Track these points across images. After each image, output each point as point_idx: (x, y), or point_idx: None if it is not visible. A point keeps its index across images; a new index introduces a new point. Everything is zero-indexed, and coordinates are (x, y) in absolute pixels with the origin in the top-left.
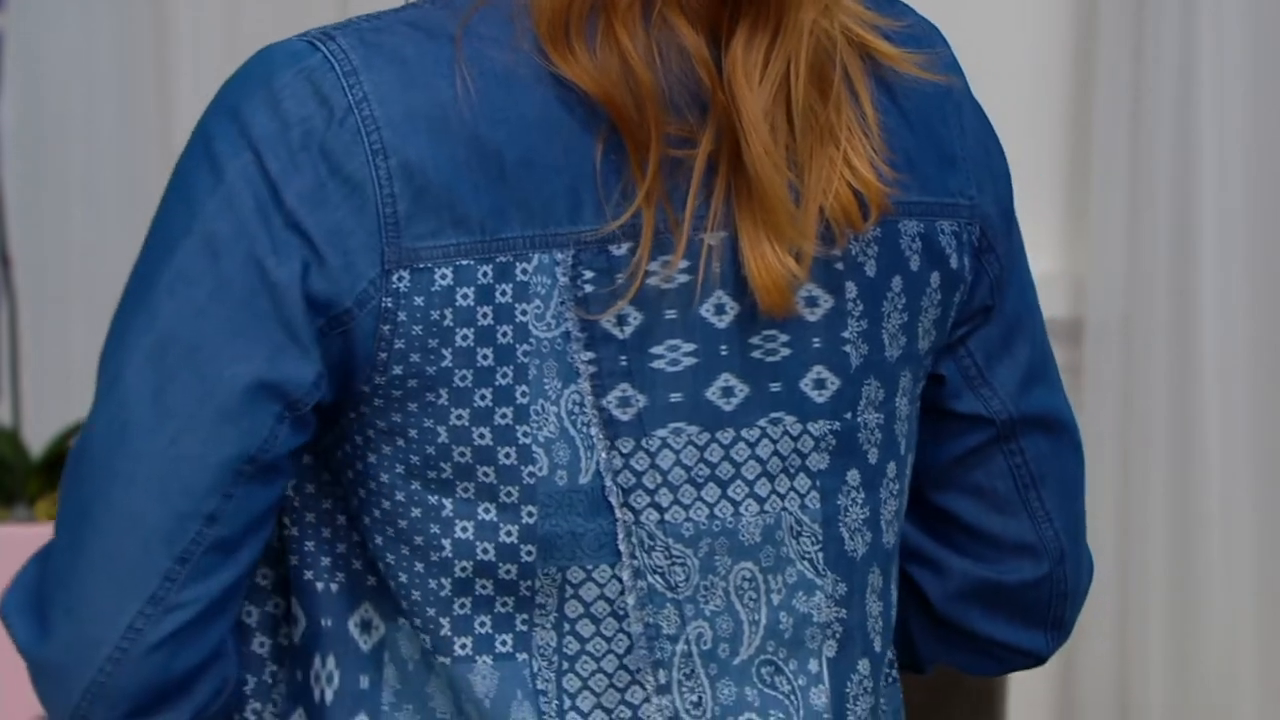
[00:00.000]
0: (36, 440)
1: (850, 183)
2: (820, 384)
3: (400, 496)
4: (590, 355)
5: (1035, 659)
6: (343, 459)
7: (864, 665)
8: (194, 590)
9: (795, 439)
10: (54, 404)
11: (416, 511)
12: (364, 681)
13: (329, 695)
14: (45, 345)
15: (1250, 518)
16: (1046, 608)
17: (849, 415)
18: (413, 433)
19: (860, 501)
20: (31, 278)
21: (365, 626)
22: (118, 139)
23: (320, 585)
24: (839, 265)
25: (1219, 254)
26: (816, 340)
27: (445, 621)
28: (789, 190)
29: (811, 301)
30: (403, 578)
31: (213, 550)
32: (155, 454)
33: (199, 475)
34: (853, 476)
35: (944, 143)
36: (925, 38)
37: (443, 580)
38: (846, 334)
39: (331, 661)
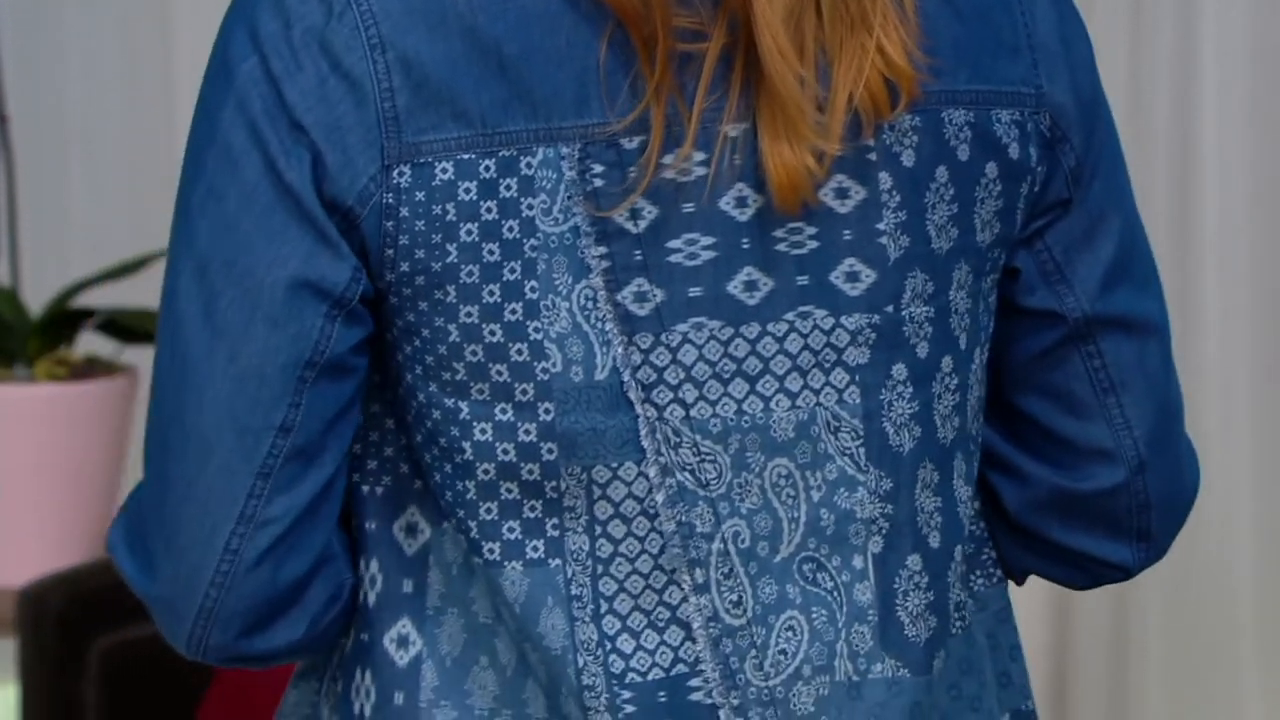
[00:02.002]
0: (35, 300)
1: (881, 70)
2: (853, 276)
3: (422, 397)
4: (602, 250)
5: (1123, 572)
6: (384, 356)
7: (915, 561)
8: (282, 502)
9: (827, 333)
10: (52, 263)
11: (437, 414)
12: (407, 585)
13: (372, 598)
14: (43, 204)
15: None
16: (1128, 518)
17: (890, 308)
18: (425, 332)
19: (907, 396)
20: (29, 136)
21: (410, 530)
22: None
23: (365, 489)
24: (871, 155)
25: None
26: (847, 232)
27: (473, 525)
28: (815, 80)
29: (842, 193)
30: (437, 478)
31: (292, 460)
32: (216, 375)
33: (262, 388)
34: (898, 370)
35: (1003, 31)
36: None
37: (467, 483)
38: (881, 225)
39: (375, 565)
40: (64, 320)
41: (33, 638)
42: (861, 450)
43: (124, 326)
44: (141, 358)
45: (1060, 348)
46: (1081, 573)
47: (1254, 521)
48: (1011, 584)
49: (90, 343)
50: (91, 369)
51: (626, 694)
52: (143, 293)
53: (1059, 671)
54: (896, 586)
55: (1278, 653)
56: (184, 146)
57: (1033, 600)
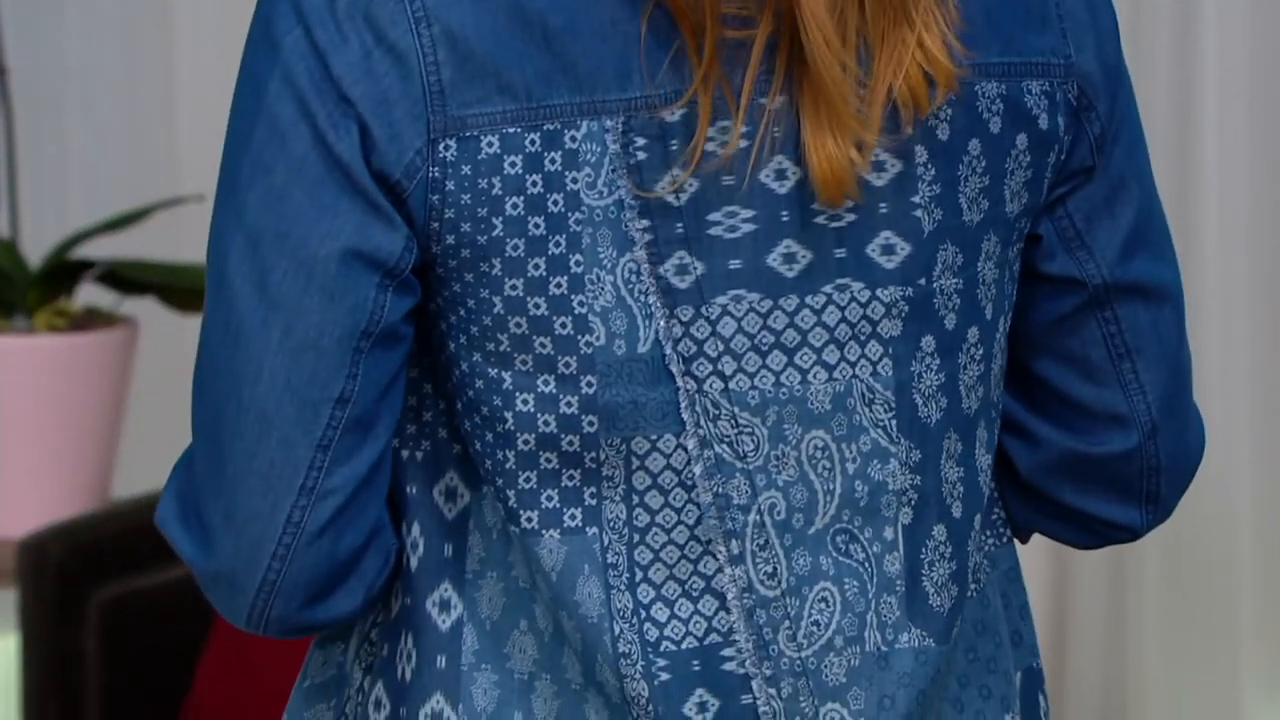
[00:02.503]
0: (35, 251)
1: (921, 64)
2: (889, 249)
3: (465, 367)
4: (645, 223)
5: (1131, 533)
6: (429, 322)
7: (940, 531)
8: (342, 473)
9: (864, 305)
10: (52, 214)
11: (480, 383)
12: (447, 550)
13: (414, 562)
14: (43, 155)
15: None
16: (1139, 481)
17: (922, 281)
18: (470, 303)
19: (935, 368)
20: (28, 88)
21: (450, 495)
22: None
23: (405, 453)
24: (907, 129)
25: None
26: (883, 205)
27: (511, 493)
28: (856, 75)
29: (878, 166)
30: (477, 446)
31: (351, 430)
32: (273, 348)
33: (320, 360)
34: (927, 343)
35: (1033, 1)
36: None
37: (507, 452)
38: (917, 199)
39: (417, 529)
40: (63, 271)
41: (33, 588)
42: (894, 422)
43: (123, 278)
44: (141, 309)
45: (1078, 314)
46: (1089, 534)
47: (1253, 477)
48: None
49: (90, 294)
50: (91, 320)
51: (661, 662)
52: (142, 244)
53: (1058, 627)
54: (923, 557)
55: (1276, 608)
56: (183, 99)
57: (1032, 557)
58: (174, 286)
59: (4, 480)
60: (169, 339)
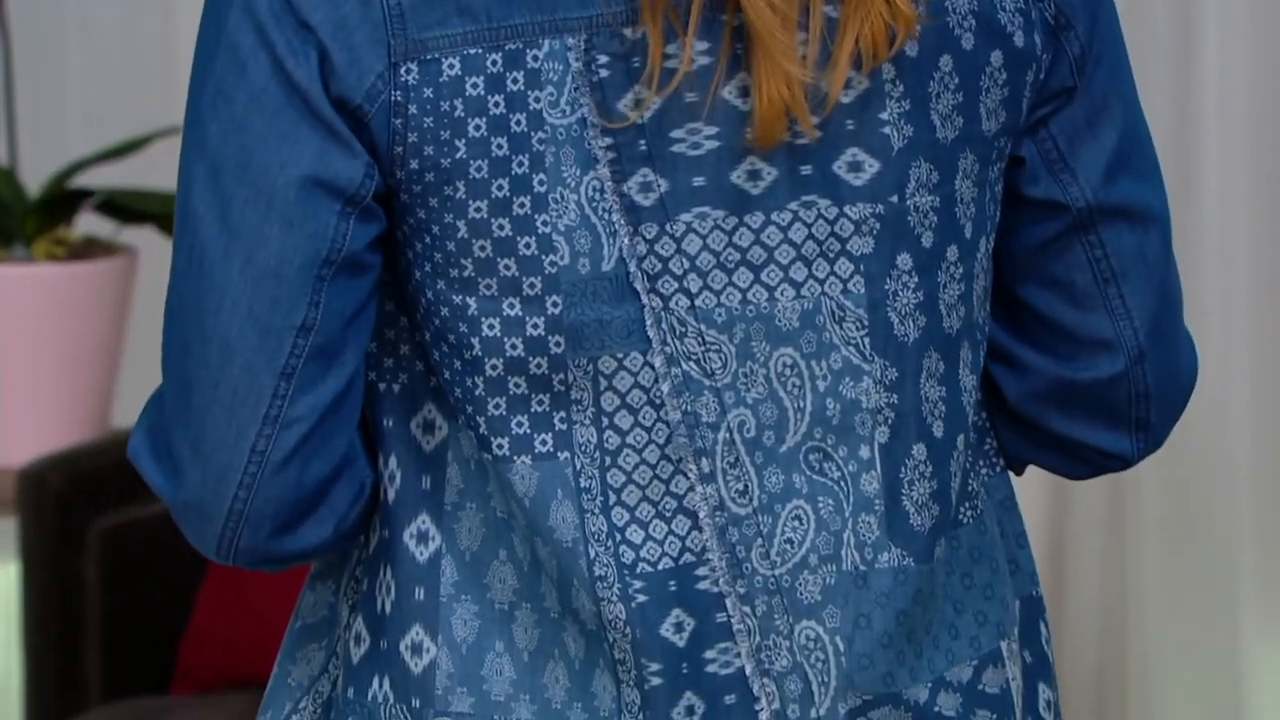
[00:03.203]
0: (33, 179)
1: (884, 16)
2: (856, 167)
3: (430, 295)
4: (608, 141)
5: (1122, 461)
6: (395, 254)
7: (919, 450)
8: (306, 402)
9: (831, 223)
10: (50, 142)
11: (445, 311)
12: (425, 482)
13: (391, 495)
14: (41, 84)
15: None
16: (1127, 408)
17: (894, 198)
18: (435, 229)
19: (912, 286)
20: (27, 15)
21: (428, 427)
22: None
23: (382, 386)
24: (863, 77)
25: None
26: (850, 122)
27: (481, 421)
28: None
29: (845, 84)
30: (446, 375)
31: (314, 359)
32: (234, 277)
33: (281, 288)
34: (903, 260)
35: None
36: None
37: (476, 379)
38: (885, 115)
39: (394, 462)
40: (62, 200)
41: (33, 517)
42: (866, 340)
43: (122, 207)
44: (140, 238)
45: (1062, 238)
46: (1081, 463)
47: (1251, 405)
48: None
49: (88, 223)
50: (90, 249)
51: (638, 584)
52: (141, 173)
53: (1057, 557)
54: (902, 476)
55: (1275, 535)
56: (182, 27)
57: (1031, 488)
58: (172, 215)
59: (3, 409)
60: (167, 268)
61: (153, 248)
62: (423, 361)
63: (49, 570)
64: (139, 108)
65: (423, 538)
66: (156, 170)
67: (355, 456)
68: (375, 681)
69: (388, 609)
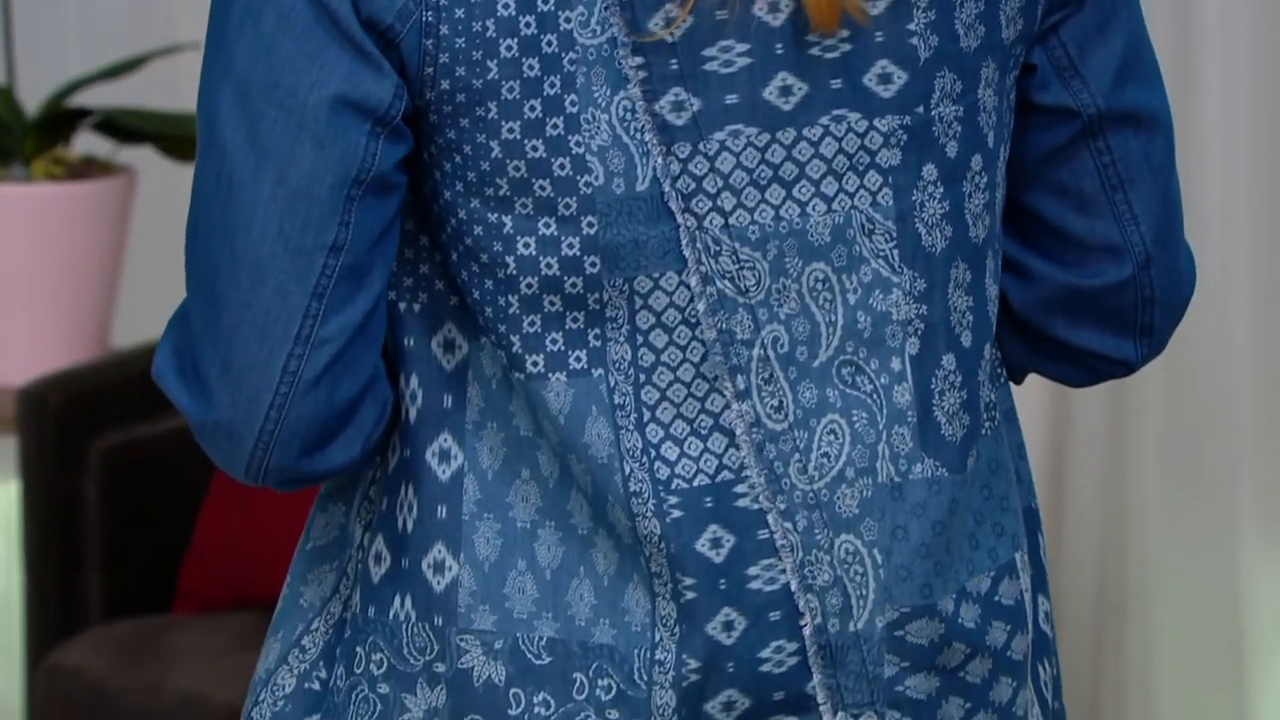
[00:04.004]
0: (31, 98)
1: None
2: (885, 79)
3: (462, 214)
4: (639, 60)
5: (1125, 367)
6: (421, 172)
7: (949, 361)
8: (337, 322)
9: (861, 136)
10: (48, 61)
11: (479, 230)
12: (447, 401)
13: (413, 414)
14: (39, 1)
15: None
16: (1133, 313)
17: (920, 109)
18: (467, 149)
19: (938, 196)
20: None
21: (448, 346)
22: None
23: (403, 305)
24: None
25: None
26: (879, 34)
27: (516, 339)
28: None
29: None
30: (476, 294)
31: (345, 279)
32: (265, 197)
33: (313, 208)
34: (929, 171)
35: None
36: None
37: (510, 298)
38: (912, 26)
39: (415, 380)
40: (60, 119)
41: (33, 436)
42: (895, 252)
43: (121, 126)
44: (138, 158)
45: (1071, 145)
46: (1084, 370)
47: (1251, 313)
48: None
49: (87, 143)
50: (88, 169)
51: (673, 499)
52: (139, 92)
53: (1057, 471)
54: (933, 387)
55: (1275, 447)
56: None
57: (1031, 400)
58: (171, 135)
59: (2, 329)
60: (166, 188)
61: (151, 167)
62: (442, 281)
63: (49, 490)
64: (137, 27)
65: (445, 456)
66: (155, 89)
67: (379, 376)
68: (397, 600)
69: (409, 528)
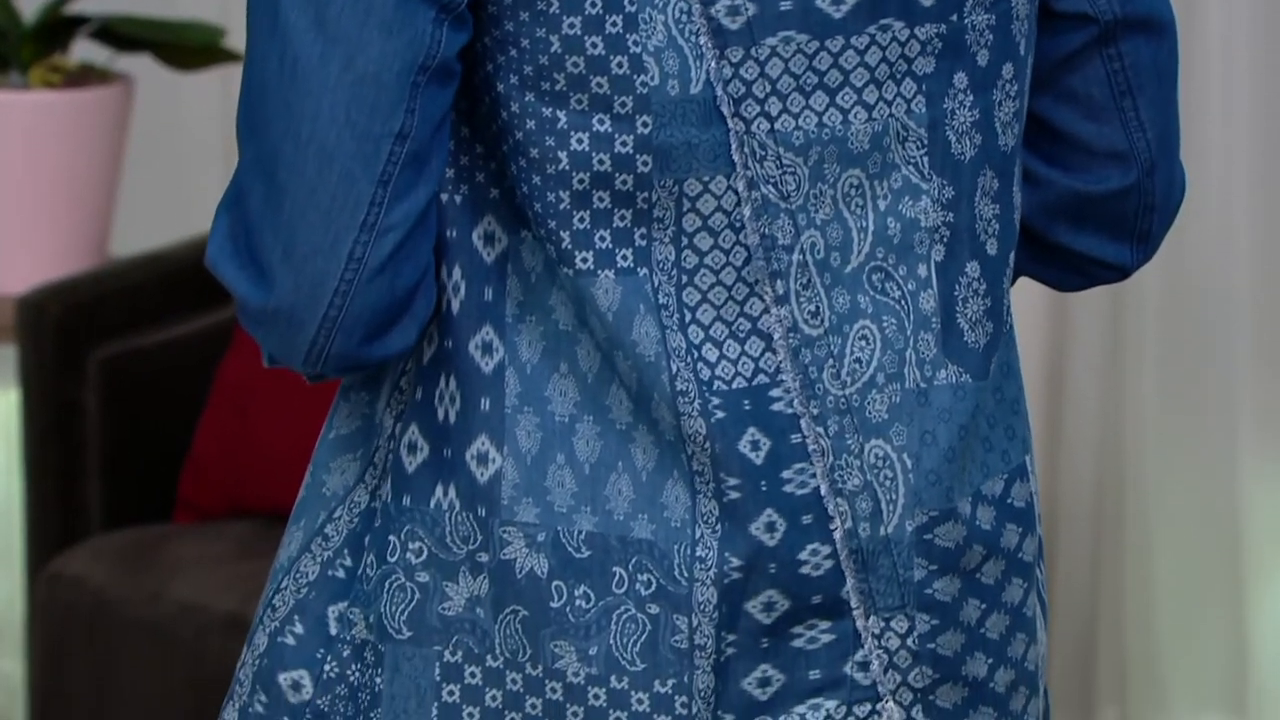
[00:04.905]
0: (29, 5)
1: None
2: None
3: (515, 108)
4: None
5: (1120, 272)
6: (473, 63)
7: (973, 268)
8: (401, 209)
9: (903, 44)
10: None
11: (531, 124)
12: (488, 293)
13: (455, 305)
14: None
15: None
16: (1133, 219)
17: (955, 17)
18: (525, 42)
19: (969, 104)
20: None
21: (489, 239)
22: None
23: (444, 197)
24: None
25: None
26: None
27: (566, 235)
28: None
29: None
30: (524, 189)
31: (408, 166)
32: (333, 83)
33: (381, 94)
34: (960, 80)
35: None
36: None
37: (561, 193)
38: None
39: (458, 272)
40: (58, 26)
41: (32, 345)
42: (925, 159)
43: (119, 34)
44: (136, 66)
45: (1084, 51)
46: (1078, 274)
47: (1251, 229)
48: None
49: (85, 50)
50: (86, 77)
51: (716, 400)
52: (138, 0)
53: (1055, 385)
54: (956, 294)
55: (1274, 363)
56: None
57: (1029, 316)
58: (170, 43)
59: (2, 236)
60: (165, 97)
61: (149, 76)
62: (483, 173)
63: (49, 399)
64: None
65: (487, 349)
66: None
67: (432, 265)
68: (439, 490)
69: (451, 418)
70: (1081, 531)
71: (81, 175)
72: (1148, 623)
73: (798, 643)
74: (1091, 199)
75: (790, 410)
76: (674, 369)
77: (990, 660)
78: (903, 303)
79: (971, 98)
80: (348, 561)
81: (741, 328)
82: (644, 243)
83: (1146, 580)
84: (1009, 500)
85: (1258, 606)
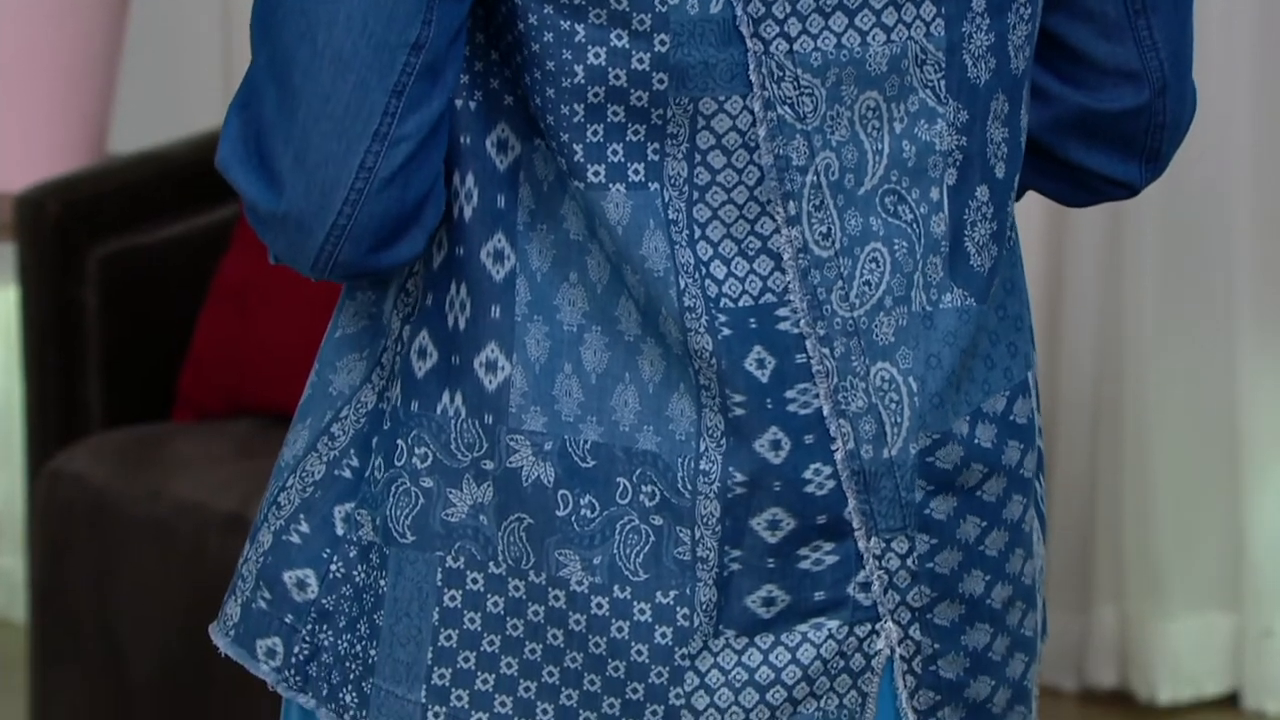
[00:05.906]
0: None
1: None
2: None
3: (533, 19)
4: None
5: (1129, 190)
6: None
7: (982, 192)
8: (414, 120)
9: None
10: None
11: (549, 36)
12: (500, 200)
13: (468, 212)
14: None
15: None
16: (1144, 138)
17: None
18: None
19: (985, 28)
20: None
21: (502, 146)
22: None
23: (458, 103)
24: None
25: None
26: None
27: (579, 148)
28: None
29: None
30: (538, 100)
31: (422, 78)
32: None
33: (398, 4)
34: (977, 3)
35: None
36: None
37: (575, 106)
38: None
39: (470, 179)
40: None
41: (31, 242)
42: (942, 82)
43: None
44: None
45: None
46: (1086, 190)
47: (1252, 128)
48: None
49: None
50: None
51: (723, 317)
52: None
53: (1054, 284)
54: (965, 218)
55: (1273, 260)
56: None
57: (1029, 218)
58: None
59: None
60: None
61: None
62: (497, 79)
63: (48, 296)
64: None
65: (499, 256)
66: None
67: (441, 175)
68: (446, 396)
69: (461, 325)
70: (1081, 431)
71: (80, 73)
72: (1146, 521)
73: (804, 564)
74: (1102, 116)
75: (796, 330)
76: (682, 284)
77: (988, 577)
78: (914, 226)
79: (988, 21)
80: (354, 462)
81: (751, 246)
82: (656, 158)
83: (1145, 480)
84: (1010, 417)
85: (1255, 504)
